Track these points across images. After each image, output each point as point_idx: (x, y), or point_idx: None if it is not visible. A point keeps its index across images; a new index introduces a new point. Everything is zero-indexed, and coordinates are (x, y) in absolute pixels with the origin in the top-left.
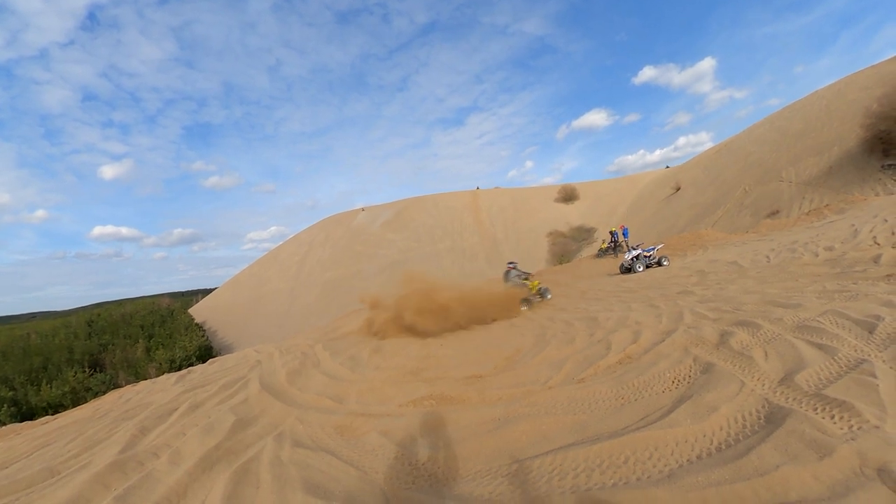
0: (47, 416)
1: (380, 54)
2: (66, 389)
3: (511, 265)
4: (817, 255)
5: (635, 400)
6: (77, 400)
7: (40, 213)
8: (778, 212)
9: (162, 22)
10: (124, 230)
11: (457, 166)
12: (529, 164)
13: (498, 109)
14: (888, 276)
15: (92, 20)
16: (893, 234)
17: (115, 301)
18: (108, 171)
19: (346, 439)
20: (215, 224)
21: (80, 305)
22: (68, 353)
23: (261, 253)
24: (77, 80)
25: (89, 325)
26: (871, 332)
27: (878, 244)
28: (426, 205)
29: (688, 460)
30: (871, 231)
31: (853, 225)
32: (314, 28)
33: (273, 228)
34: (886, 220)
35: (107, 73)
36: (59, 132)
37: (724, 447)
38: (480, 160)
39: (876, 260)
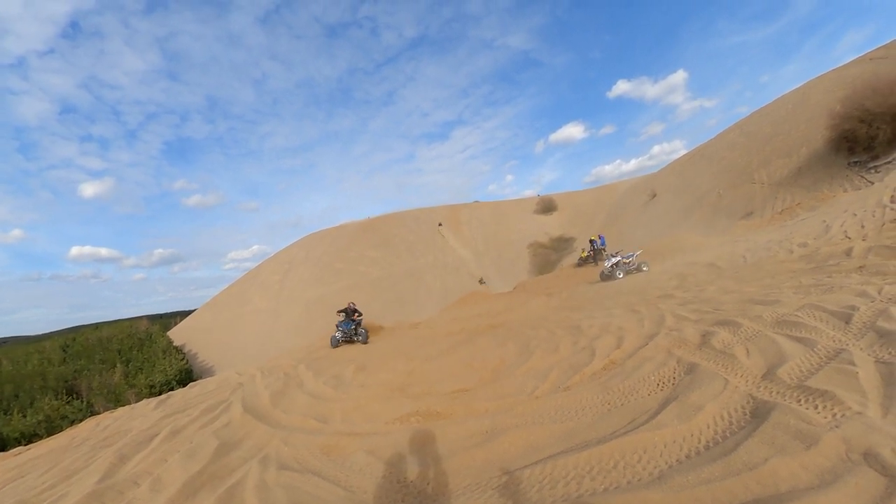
0: (20, 447)
1: (367, 68)
2: (41, 418)
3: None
4: (792, 252)
5: (622, 404)
6: (52, 429)
7: (16, 232)
8: (752, 213)
9: (147, 32)
10: (103, 251)
11: (440, 181)
12: (510, 177)
13: (482, 123)
14: (860, 267)
15: (74, 28)
16: (863, 227)
17: (92, 324)
18: (88, 189)
19: (333, 460)
20: (197, 244)
21: (54, 329)
22: (42, 381)
23: (242, 273)
24: (56, 90)
25: (64, 350)
26: (847, 323)
27: (849, 238)
28: (406, 220)
29: (677, 460)
30: (841, 226)
31: (824, 221)
32: (303, 41)
33: (255, 247)
34: (856, 215)
35: (87, 84)
36: (35, 146)
37: (712, 445)
38: (463, 174)
39: (848, 253)
